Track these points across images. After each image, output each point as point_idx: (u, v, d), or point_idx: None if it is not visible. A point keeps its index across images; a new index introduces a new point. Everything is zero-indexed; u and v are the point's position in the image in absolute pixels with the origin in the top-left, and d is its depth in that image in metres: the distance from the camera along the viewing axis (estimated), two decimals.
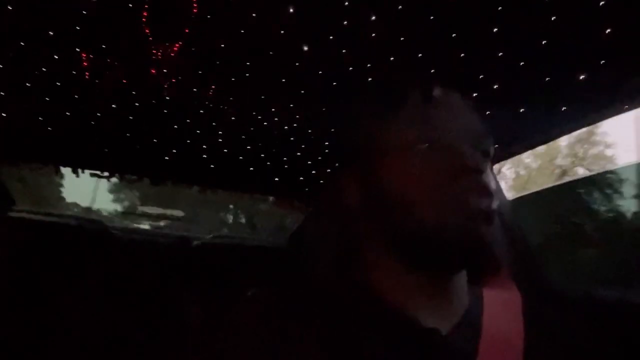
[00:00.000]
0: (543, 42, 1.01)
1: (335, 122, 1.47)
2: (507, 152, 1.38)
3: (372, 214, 0.65)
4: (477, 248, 0.57)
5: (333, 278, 0.69)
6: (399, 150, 0.62)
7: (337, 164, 0.73)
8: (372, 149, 0.65)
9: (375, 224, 0.64)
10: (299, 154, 2.09)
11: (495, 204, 0.59)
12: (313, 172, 2.25)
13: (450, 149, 0.59)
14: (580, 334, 0.64)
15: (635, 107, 1.05)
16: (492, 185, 0.60)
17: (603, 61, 0.98)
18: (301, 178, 2.34)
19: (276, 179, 2.38)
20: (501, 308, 0.63)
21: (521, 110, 1.19)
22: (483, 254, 0.59)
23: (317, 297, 0.63)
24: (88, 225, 2.29)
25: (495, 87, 1.17)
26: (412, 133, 0.62)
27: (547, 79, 1.08)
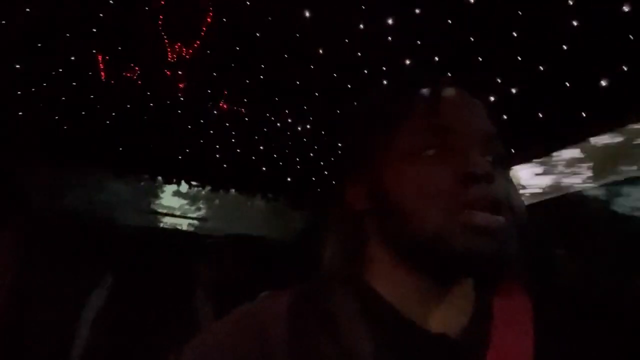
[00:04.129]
0: (564, 47, 0.99)
1: (345, 126, 1.46)
2: (525, 156, 1.36)
3: (377, 219, 0.65)
4: (477, 263, 0.57)
5: (343, 282, 0.69)
6: (404, 157, 0.61)
7: (346, 169, 0.73)
8: (379, 155, 0.65)
9: (382, 229, 0.65)
10: (311, 155, 2.09)
11: (501, 214, 0.57)
12: (325, 172, 2.25)
13: (457, 156, 0.58)
14: (592, 343, 0.63)
15: None
16: (502, 194, 0.58)
17: (626, 67, 0.96)
18: (313, 178, 2.34)
19: (288, 179, 2.38)
20: (511, 316, 0.63)
21: (540, 115, 1.17)
22: (484, 268, 0.58)
23: (325, 299, 0.64)
24: (100, 222, 2.31)
25: (513, 91, 1.15)
26: (418, 139, 0.61)
27: (567, 84, 1.06)
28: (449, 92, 0.66)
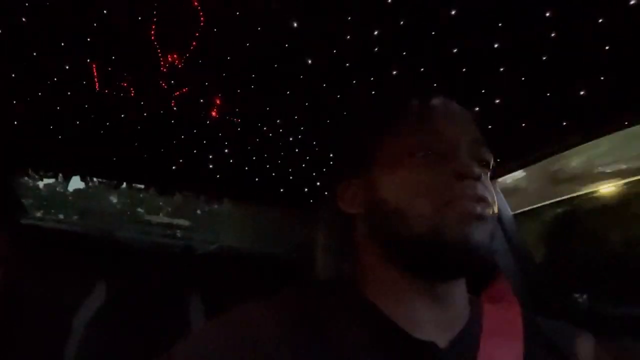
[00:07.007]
0: (544, 58, 1.02)
1: (338, 133, 1.48)
2: (508, 167, 1.38)
3: (371, 221, 0.66)
4: (471, 251, 0.58)
5: (333, 286, 0.69)
6: (397, 159, 0.63)
7: (337, 173, 0.75)
8: (372, 158, 0.67)
9: (375, 232, 0.66)
10: (304, 165, 2.11)
11: (489, 210, 0.60)
12: (318, 183, 2.26)
13: (447, 157, 0.61)
14: (581, 352, 0.63)
15: (637, 123, 1.06)
16: (488, 193, 0.61)
17: (603, 77, 0.99)
18: (306, 189, 2.35)
19: (281, 189, 2.39)
20: (501, 324, 0.63)
21: (522, 124, 1.19)
22: (478, 259, 0.59)
23: (316, 305, 0.64)
24: (94, 232, 2.31)
25: (496, 101, 1.17)
26: (410, 142, 0.64)
27: (547, 94, 1.08)
28: (439, 100, 0.69)
